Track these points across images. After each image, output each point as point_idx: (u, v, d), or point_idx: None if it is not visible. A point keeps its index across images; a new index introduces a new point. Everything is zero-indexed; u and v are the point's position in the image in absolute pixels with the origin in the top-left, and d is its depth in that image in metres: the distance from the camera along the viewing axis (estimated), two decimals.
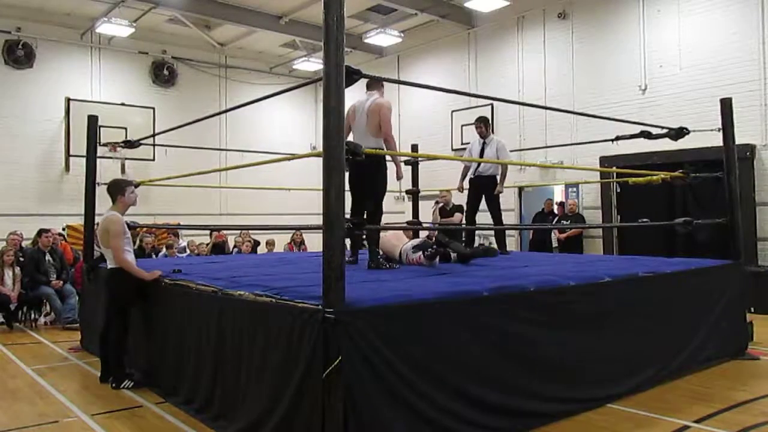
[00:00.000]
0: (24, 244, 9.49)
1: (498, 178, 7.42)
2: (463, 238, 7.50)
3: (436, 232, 6.37)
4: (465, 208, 7.71)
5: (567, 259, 7.06)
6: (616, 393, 4.59)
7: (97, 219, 6.33)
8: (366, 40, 13.69)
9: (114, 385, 5.16)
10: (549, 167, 11.41)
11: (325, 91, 3.26)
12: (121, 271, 5.23)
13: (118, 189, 5.36)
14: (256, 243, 11.75)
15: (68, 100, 12.96)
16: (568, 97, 11.28)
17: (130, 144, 7.41)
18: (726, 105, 6.15)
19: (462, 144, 13.15)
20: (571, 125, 11.17)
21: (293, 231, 12.15)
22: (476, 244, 8.30)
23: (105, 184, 7.07)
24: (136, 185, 5.97)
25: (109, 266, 5.32)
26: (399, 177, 5.87)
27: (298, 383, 3.38)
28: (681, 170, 6.72)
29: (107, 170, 12.05)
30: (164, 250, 10.30)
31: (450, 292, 3.88)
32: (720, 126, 6.16)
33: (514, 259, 5.70)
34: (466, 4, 11.97)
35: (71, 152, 12.67)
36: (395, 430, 3.33)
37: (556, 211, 11.66)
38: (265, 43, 14.95)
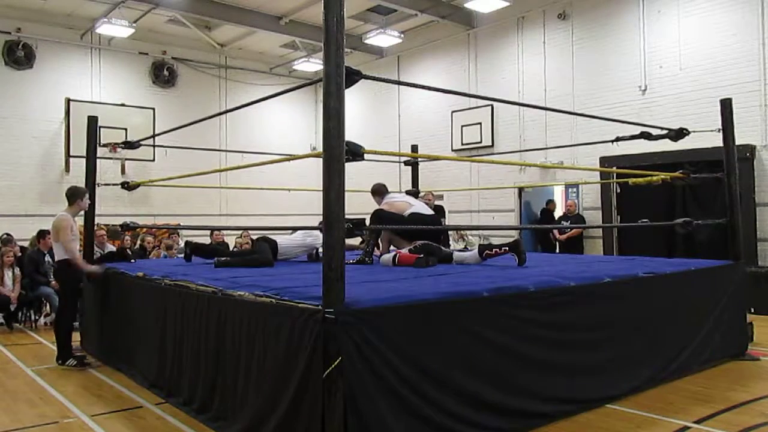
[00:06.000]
0: (22, 244, 9.51)
1: None
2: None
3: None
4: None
5: (567, 259, 7.06)
6: (615, 393, 4.59)
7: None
8: (366, 41, 13.69)
9: (60, 362, 5.95)
10: (549, 167, 11.41)
11: (325, 91, 3.25)
12: (68, 261, 5.99)
13: (78, 194, 6.16)
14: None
15: (68, 100, 12.97)
16: (568, 98, 11.28)
17: (130, 145, 7.40)
18: (726, 105, 6.14)
19: (462, 144, 13.17)
20: (571, 126, 11.18)
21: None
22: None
23: (105, 184, 7.16)
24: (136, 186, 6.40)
25: (57, 259, 6.10)
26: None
27: (298, 383, 3.37)
28: (681, 171, 6.71)
29: (107, 171, 12.07)
30: (164, 250, 10.27)
31: (450, 292, 3.88)
32: (720, 126, 6.16)
33: (514, 259, 5.68)
34: (466, 5, 11.98)
35: (71, 153, 12.67)
36: (395, 430, 3.33)
37: (563, 211, 11.67)
38: (265, 43, 14.96)
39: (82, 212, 6.43)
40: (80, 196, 6.15)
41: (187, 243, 6.97)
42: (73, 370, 5.88)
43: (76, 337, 7.29)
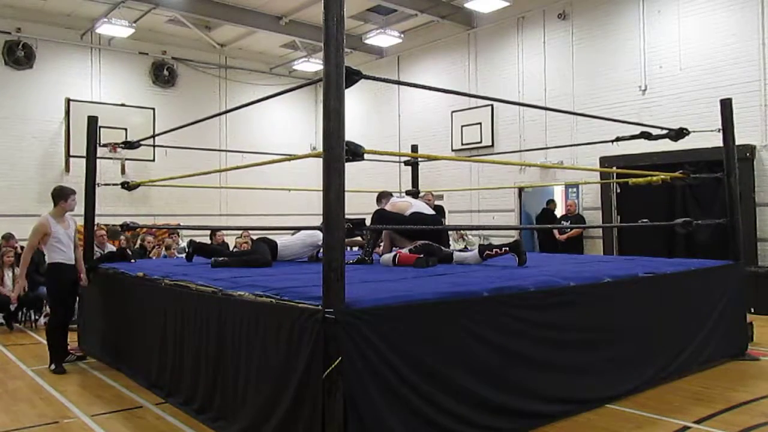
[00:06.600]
0: (22, 244, 9.50)
1: None
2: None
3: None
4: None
5: (567, 259, 7.06)
6: (616, 394, 4.59)
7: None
8: (366, 41, 13.69)
9: (52, 367, 5.79)
10: (549, 167, 11.41)
11: (325, 91, 3.25)
12: (57, 266, 5.83)
13: (62, 195, 5.95)
14: None
15: (68, 100, 12.97)
16: (568, 98, 11.28)
17: (130, 145, 7.40)
18: (726, 105, 6.14)
19: (462, 144, 13.17)
20: (571, 126, 11.17)
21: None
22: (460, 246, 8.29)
23: (105, 184, 7.15)
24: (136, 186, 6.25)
25: (47, 262, 5.94)
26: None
27: (298, 383, 3.37)
28: (681, 171, 6.71)
29: (107, 171, 12.07)
30: (164, 250, 10.27)
31: (450, 293, 3.88)
32: (720, 126, 6.16)
33: (514, 259, 5.68)
34: (466, 5, 11.97)
35: (71, 153, 12.69)
36: (395, 430, 3.33)
37: (563, 211, 11.69)
38: (265, 43, 14.96)
39: (79, 213, 6.37)
40: (64, 197, 5.92)
41: (190, 242, 6.95)
42: (73, 370, 5.87)
43: (72, 337, 7.32)
